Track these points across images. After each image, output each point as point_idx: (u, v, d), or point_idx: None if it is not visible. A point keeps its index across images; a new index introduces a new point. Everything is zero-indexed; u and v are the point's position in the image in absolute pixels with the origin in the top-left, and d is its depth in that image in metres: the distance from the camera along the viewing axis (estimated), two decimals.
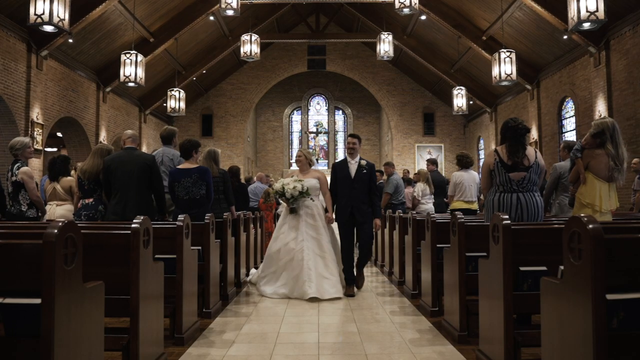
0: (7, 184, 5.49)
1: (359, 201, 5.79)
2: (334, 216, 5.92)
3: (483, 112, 17.49)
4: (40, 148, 10.33)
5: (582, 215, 2.15)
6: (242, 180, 10.41)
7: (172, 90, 15.02)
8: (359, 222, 5.83)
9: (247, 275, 6.86)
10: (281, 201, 5.72)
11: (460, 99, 14.79)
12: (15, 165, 5.42)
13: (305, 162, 6.05)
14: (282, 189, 5.72)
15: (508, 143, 4.22)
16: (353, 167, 5.87)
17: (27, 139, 5.62)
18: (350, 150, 5.98)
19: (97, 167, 5.18)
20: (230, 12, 10.60)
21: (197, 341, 3.83)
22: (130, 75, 10.90)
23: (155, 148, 6.26)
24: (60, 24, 7.50)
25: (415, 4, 10.41)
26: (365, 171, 5.84)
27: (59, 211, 5.59)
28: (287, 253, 5.64)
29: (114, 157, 5.12)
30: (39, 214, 5.57)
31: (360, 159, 5.94)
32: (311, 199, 5.80)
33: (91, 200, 5.16)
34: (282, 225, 5.87)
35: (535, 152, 4.31)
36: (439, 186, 9.03)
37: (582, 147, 4.63)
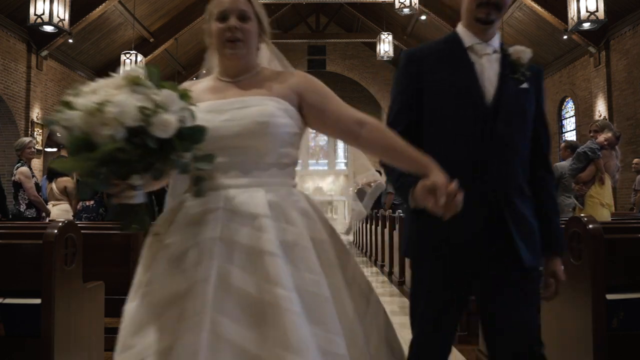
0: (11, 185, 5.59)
1: (507, 182, 1.48)
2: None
3: None
4: (40, 148, 10.33)
5: (582, 215, 2.16)
6: None
7: None
8: (513, 265, 1.45)
9: None
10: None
11: None
12: (16, 166, 5.50)
13: (252, 33, 1.47)
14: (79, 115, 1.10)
15: None
16: (489, 61, 1.52)
17: (27, 139, 5.66)
18: (484, 13, 1.47)
19: None
20: None
21: None
22: None
23: None
24: (60, 24, 7.50)
25: (415, 4, 10.40)
26: (525, 85, 1.50)
27: (54, 211, 5.64)
28: None
29: None
30: (43, 215, 5.60)
31: (503, 44, 1.56)
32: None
33: (92, 202, 5.18)
34: (137, 293, 1.35)
35: None
36: None
37: (602, 147, 4.57)
